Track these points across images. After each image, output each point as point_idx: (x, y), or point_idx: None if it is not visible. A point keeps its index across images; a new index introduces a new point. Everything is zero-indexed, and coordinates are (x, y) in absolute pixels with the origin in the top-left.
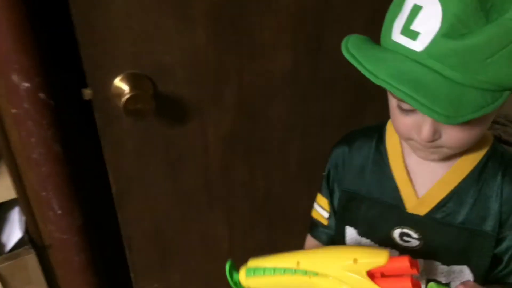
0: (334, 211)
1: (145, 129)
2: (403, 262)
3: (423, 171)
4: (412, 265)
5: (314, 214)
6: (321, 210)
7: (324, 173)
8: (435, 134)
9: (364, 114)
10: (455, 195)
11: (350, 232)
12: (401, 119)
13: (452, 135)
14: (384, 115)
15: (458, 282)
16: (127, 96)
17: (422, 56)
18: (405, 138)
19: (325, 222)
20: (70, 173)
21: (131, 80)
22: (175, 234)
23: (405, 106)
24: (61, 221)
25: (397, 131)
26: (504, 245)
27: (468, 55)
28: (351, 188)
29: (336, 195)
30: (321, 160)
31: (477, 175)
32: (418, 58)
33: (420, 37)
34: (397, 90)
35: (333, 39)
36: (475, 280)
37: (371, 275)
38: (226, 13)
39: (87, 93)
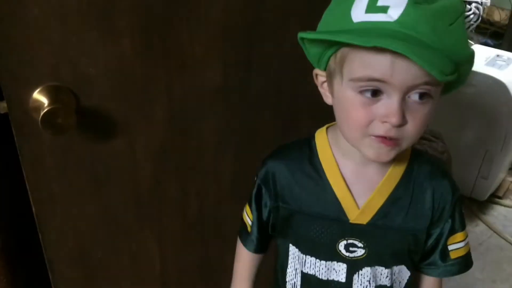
0: (261, 225)
1: (68, 145)
2: None
3: (359, 181)
4: None
5: (244, 218)
6: (247, 217)
7: (253, 184)
8: (403, 118)
9: (297, 129)
10: (392, 201)
11: (293, 251)
12: (363, 111)
13: (417, 119)
14: (316, 130)
15: (398, 283)
16: (45, 110)
17: (395, 26)
18: (361, 135)
19: (249, 229)
20: None
21: (51, 92)
22: (103, 256)
23: (374, 85)
24: None
25: (354, 128)
26: (430, 240)
27: (436, 20)
28: (290, 205)
29: (266, 210)
30: (255, 176)
31: (408, 179)
32: (392, 27)
33: (390, 10)
34: (394, 47)
35: (263, 54)
36: (411, 276)
37: None
38: (153, 25)
39: (3, 106)
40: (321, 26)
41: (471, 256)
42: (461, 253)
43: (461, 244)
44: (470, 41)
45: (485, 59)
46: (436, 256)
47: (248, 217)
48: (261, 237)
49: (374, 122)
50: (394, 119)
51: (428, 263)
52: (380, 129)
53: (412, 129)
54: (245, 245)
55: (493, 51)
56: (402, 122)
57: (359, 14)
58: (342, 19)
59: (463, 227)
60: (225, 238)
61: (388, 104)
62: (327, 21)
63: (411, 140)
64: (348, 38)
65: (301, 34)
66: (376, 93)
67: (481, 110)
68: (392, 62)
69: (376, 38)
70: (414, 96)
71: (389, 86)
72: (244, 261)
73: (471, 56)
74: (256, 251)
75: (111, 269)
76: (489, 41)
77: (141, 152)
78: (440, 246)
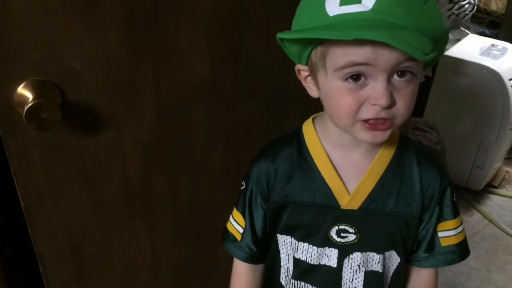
0: (252, 227)
1: (55, 140)
2: None
3: (349, 167)
4: None
5: (229, 227)
6: (236, 224)
7: (244, 188)
8: (391, 99)
9: (287, 121)
10: (382, 185)
11: (284, 238)
12: (351, 97)
13: (405, 97)
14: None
15: (387, 268)
16: (29, 105)
17: (371, 15)
18: (352, 122)
19: (238, 238)
20: None
21: (36, 87)
22: (94, 249)
23: (359, 70)
24: None
25: (345, 115)
26: (421, 227)
27: (410, 2)
28: (281, 199)
29: (259, 212)
30: (245, 168)
31: (396, 164)
32: (369, 16)
33: (364, 0)
34: (374, 36)
35: (252, 45)
36: (401, 263)
37: None
38: (139, 17)
39: None
40: (296, 24)
41: (466, 246)
42: (453, 241)
43: (452, 232)
44: (466, 30)
45: (480, 48)
46: (425, 246)
47: (237, 224)
48: (256, 244)
49: (363, 106)
50: (383, 101)
51: (418, 255)
52: (370, 112)
53: (402, 107)
54: (235, 255)
55: (488, 41)
56: (391, 102)
57: (333, 7)
58: (317, 15)
59: (455, 215)
60: (216, 229)
61: (375, 86)
62: (302, 18)
63: (403, 118)
64: (327, 34)
65: (279, 35)
66: (361, 77)
67: (476, 100)
68: (374, 49)
69: (355, 31)
70: (398, 75)
71: (374, 68)
72: (239, 274)
73: (446, 32)
74: (251, 260)
75: (102, 262)
76: (486, 31)
77: (130, 145)
78: (429, 234)
